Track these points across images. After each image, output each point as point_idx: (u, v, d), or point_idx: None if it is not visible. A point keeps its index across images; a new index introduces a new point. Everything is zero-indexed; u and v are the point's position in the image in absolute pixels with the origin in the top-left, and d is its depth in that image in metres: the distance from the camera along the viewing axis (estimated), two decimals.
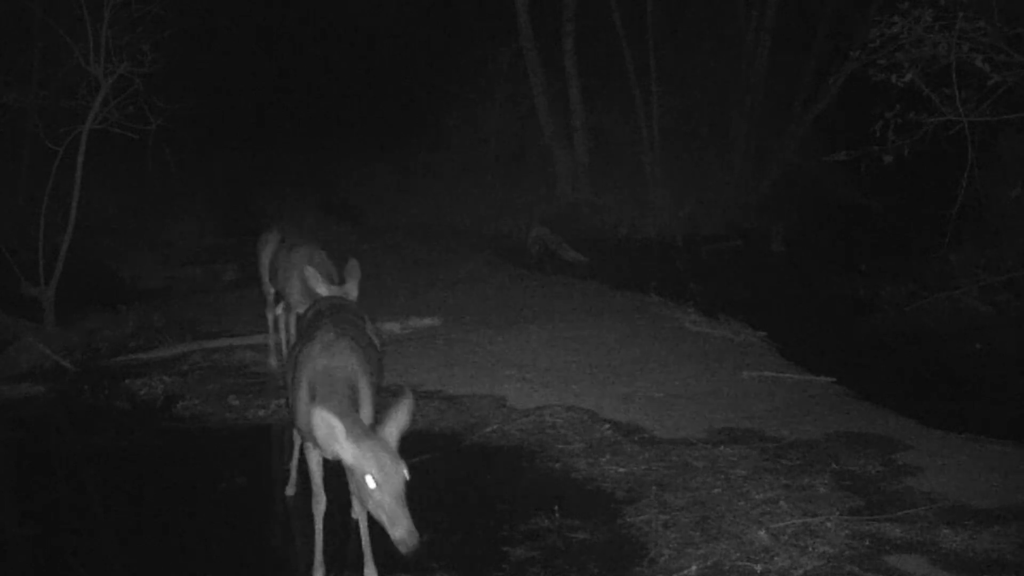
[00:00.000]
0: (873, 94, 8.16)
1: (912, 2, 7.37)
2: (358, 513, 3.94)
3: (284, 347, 6.59)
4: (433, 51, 16.58)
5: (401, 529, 3.00)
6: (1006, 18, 7.37)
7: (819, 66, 14.31)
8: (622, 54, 14.21)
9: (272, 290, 6.47)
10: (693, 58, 14.86)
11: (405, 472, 3.10)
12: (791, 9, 14.56)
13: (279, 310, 6.65)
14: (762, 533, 4.18)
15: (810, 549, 4.04)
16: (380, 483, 3.05)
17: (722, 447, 5.27)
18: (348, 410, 3.37)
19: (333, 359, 3.64)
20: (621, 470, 4.99)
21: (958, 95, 7.46)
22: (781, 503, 4.50)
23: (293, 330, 6.22)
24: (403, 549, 2.99)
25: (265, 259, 6.48)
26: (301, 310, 5.36)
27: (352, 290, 4.77)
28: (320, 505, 3.90)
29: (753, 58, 14.77)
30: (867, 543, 4.10)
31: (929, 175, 9.63)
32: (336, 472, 4.28)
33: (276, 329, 6.78)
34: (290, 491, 4.78)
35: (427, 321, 8.07)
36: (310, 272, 4.84)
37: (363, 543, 3.90)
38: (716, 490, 4.68)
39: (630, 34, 14.13)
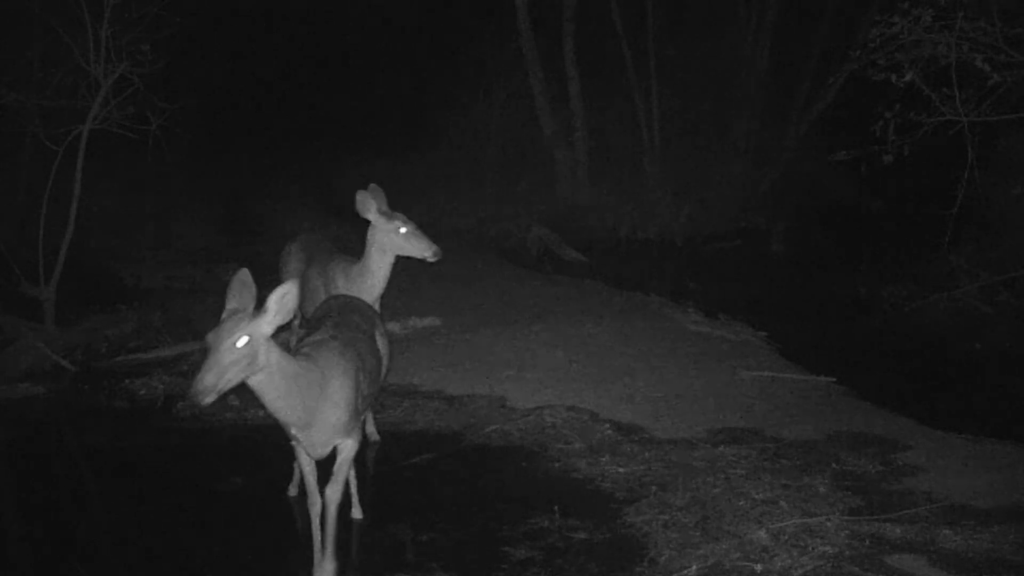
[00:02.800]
0: (873, 94, 8.15)
1: (912, 2, 7.36)
2: (360, 513, 3.95)
3: None
4: (433, 51, 16.57)
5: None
6: (1006, 18, 7.36)
7: (819, 66, 14.30)
8: (622, 54, 14.21)
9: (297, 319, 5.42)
10: (693, 58, 14.85)
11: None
12: (791, 9, 14.56)
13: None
14: (762, 533, 4.18)
15: (810, 549, 4.05)
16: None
17: (722, 447, 5.27)
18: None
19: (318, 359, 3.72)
20: (621, 470, 5.00)
21: (958, 95, 7.45)
22: (781, 503, 4.50)
23: None
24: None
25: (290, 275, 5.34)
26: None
27: (382, 205, 5.36)
28: (316, 506, 3.91)
29: (753, 58, 14.76)
30: (867, 543, 4.10)
31: (929, 175, 9.61)
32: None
33: None
34: (292, 491, 4.78)
35: (427, 321, 8.06)
36: (362, 196, 5.28)
37: (325, 532, 3.89)
38: (716, 490, 4.68)
39: (630, 34, 14.13)
